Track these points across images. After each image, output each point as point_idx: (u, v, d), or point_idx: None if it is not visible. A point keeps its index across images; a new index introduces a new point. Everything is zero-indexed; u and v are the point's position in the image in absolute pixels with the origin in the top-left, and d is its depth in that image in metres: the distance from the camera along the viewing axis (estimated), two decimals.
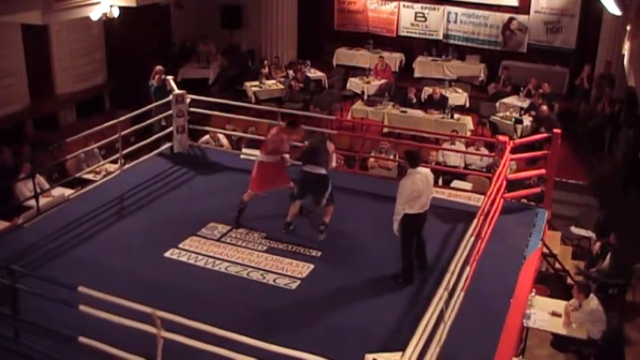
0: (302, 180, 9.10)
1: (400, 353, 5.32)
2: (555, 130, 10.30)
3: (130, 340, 6.11)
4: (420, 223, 8.22)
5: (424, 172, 8.18)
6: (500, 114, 15.60)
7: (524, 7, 18.42)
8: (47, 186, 11.00)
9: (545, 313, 8.75)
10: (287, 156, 9.44)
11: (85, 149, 11.25)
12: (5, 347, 6.79)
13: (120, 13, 14.22)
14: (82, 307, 6.33)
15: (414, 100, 16.08)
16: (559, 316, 8.72)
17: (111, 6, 13.92)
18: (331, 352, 5.44)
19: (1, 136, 13.14)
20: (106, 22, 14.77)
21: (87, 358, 6.38)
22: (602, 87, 15.55)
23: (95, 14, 13.62)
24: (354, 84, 17.71)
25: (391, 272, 8.37)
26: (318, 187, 9.01)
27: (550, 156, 10.35)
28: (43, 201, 9.79)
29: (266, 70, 17.74)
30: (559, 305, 8.89)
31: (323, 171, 8.99)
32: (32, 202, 9.68)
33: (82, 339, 6.36)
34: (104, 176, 11.15)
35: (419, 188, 7.96)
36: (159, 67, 12.69)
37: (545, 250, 10.04)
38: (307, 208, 9.60)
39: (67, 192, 10.52)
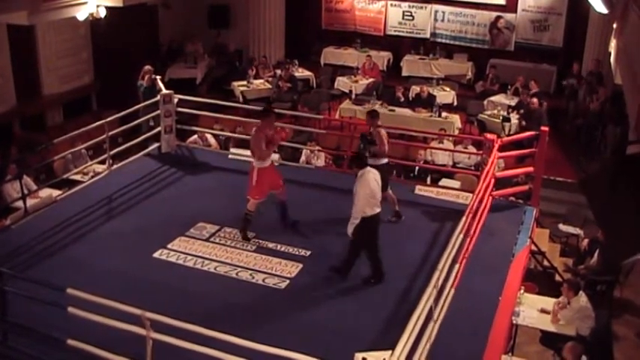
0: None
1: (390, 352, 5.33)
2: (543, 128, 10.34)
3: (120, 341, 6.09)
4: (377, 225, 8.11)
5: (374, 171, 8.16)
6: (488, 112, 15.65)
7: (511, 6, 18.49)
8: (34, 187, 10.96)
9: (534, 311, 8.79)
10: (276, 156, 9.35)
11: (73, 150, 11.19)
12: None
13: (106, 14, 14.15)
14: (70, 310, 6.30)
15: (402, 99, 16.10)
16: (548, 313, 8.76)
17: (97, 6, 13.83)
18: (321, 351, 5.44)
19: None
20: (93, 22, 14.66)
21: None
22: (591, 85, 15.59)
23: (82, 14, 13.54)
24: (341, 83, 17.71)
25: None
26: None
27: (538, 154, 10.39)
28: (30, 202, 9.74)
29: (253, 72, 17.70)
30: (548, 302, 8.93)
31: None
32: (20, 204, 9.65)
33: (70, 341, 6.33)
34: (92, 177, 11.10)
35: (374, 187, 7.95)
36: (148, 67, 12.63)
37: (533, 247, 10.08)
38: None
39: (55, 193, 10.48)
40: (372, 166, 8.49)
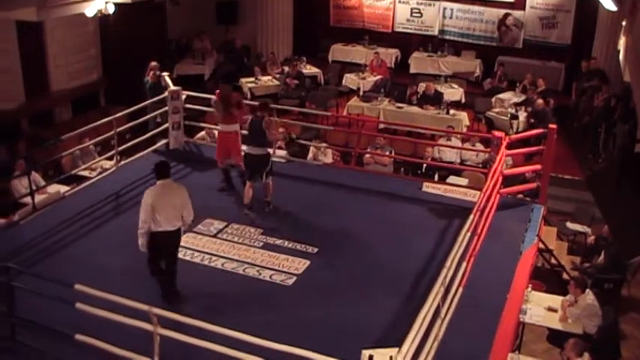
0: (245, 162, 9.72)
1: (397, 349, 5.33)
2: (551, 126, 10.31)
3: (127, 337, 6.12)
4: (167, 244, 7.46)
5: (171, 186, 7.61)
6: (496, 109, 15.61)
7: (519, 3, 18.40)
8: (43, 183, 10.98)
9: (541, 309, 8.78)
10: (284, 152, 9.58)
11: (81, 146, 11.23)
12: (1, 346, 6.78)
13: (115, 10, 14.17)
14: (78, 305, 6.32)
15: (415, 102, 15.92)
16: (555, 311, 8.75)
17: (106, 2, 13.82)
18: (328, 348, 5.45)
19: None
20: (102, 18, 14.70)
21: (84, 355, 6.39)
22: (597, 82, 15.53)
23: (90, 11, 13.55)
24: (349, 80, 17.70)
25: (388, 269, 8.39)
26: (259, 165, 9.51)
27: (546, 151, 10.37)
28: (38, 198, 9.78)
29: (266, 64, 17.79)
30: (555, 300, 8.92)
31: (262, 151, 9.53)
32: (28, 199, 9.70)
33: (78, 336, 6.36)
34: (100, 173, 11.14)
35: (157, 202, 7.27)
36: (154, 64, 12.64)
37: (541, 245, 10.06)
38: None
39: (63, 189, 10.51)
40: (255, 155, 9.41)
